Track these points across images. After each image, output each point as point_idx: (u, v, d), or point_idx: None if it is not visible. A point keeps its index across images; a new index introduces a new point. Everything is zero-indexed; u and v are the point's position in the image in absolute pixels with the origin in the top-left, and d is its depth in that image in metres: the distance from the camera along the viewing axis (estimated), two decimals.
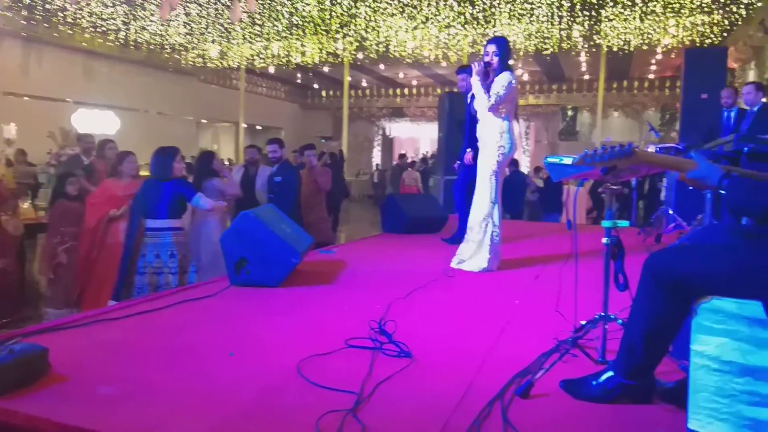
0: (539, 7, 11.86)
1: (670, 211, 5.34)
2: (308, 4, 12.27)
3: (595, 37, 13.32)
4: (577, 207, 8.24)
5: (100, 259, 4.26)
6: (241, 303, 2.96)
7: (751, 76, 11.10)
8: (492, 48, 3.79)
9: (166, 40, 14.64)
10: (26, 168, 9.64)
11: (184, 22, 13.49)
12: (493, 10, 12.09)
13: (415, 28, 13.51)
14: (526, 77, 20.25)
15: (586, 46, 14.02)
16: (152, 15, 12.71)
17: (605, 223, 2.03)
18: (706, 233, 1.79)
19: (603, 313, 2.08)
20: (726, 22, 11.64)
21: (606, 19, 12.39)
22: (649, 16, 12.06)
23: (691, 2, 11.11)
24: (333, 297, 3.15)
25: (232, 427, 1.59)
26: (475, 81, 3.81)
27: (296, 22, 13.41)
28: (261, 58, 16.51)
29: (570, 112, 21.38)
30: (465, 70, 4.90)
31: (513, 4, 11.81)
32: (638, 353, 1.65)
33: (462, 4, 11.89)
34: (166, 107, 17.62)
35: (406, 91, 23.24)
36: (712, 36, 12.34)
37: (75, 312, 4.01)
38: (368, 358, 2.09)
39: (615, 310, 2.11)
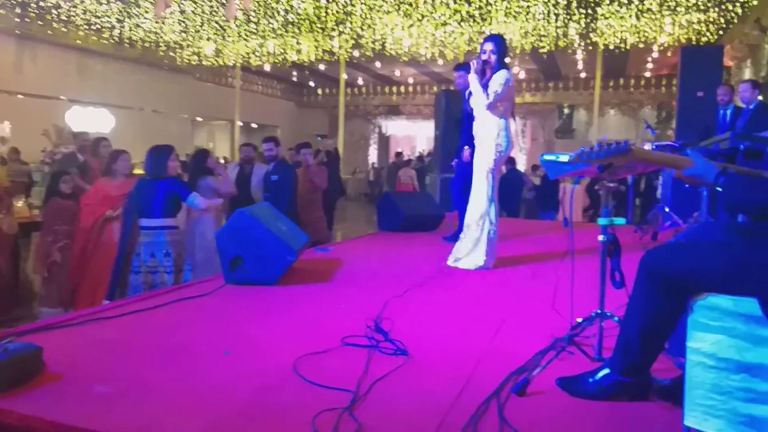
0: (535, 5, 11.85)
1: (667, 209, 5.36)
2: (304, 2, 12.23)
3: (591, 35, 13.32)
4: (573, 205, 8.26)
5: (94, 258, 4.24)
6: (237, 301, 2.95)
7: (747, 74, 11.14)
8: (489, 46, 3.78)
9: (161, 37, 14.57)
10: (20, 166, 9.60)
11: (179, 20, 13.43)
12: (489, 7, 12.08)
13: (411, 25, 13.49)
14: (522, 75, 20.25)
15: (582, 44, 14.02)
16: (147, 12, 12.65)
17: (602, 221, 2.03)
18: (703, 230, 1.79)
19: (599, 311, 2.08)
20: (722, 21, 11.65)
21: (602, 17, 12.39)
22: (645, 14, 12.07)
23: (687, 0, 11.13)
24: (329, 295, 3.15)
25: (228, 426, 1.58)
26: (473, 79, 3.81)
27: (292, 20, 13.36)
28: (256, 56, 16.45)
29: (566, 110, 21.40)
30: (462, 67, 4.89)
31: (509, 2, 11.80)
32: (634, 350, 1.65)
33: (458, 1, 11.87)
34: (161, 105, 17.56)
35: (402, 89, 23.21)
36: (708, 34, 12.37)
37: (69, 311, 4.00)
38: (364, 357, 2.09)
39: (611, 307, 2.11)
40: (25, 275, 5.55)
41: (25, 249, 5.80)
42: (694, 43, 12.45)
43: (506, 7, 12.03)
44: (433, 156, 11.63)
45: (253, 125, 22.43)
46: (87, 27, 13.39)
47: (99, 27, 13.52)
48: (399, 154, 17.19)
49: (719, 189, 1.51)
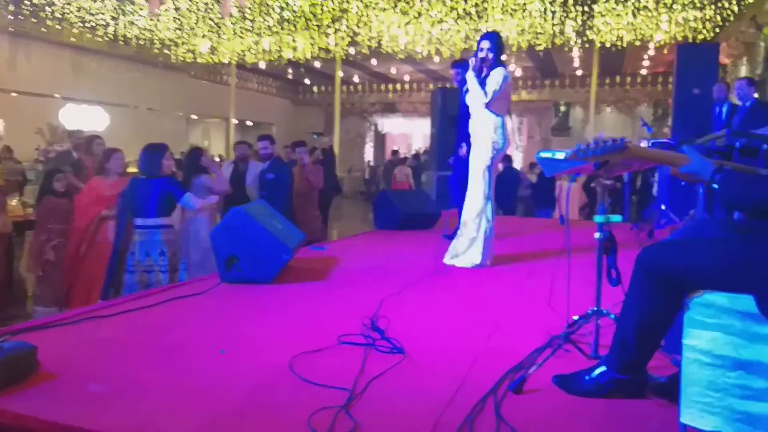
0: (532, 2, 11.86)
1: (663, 206, 5.37)
2: None
3: (587, 32, 13.34)
4: (569, 202, 8.27)
5: (89, 257, 4.22)
6: (232, 300, 2.94)
7: (743, 71, 11.17)
8: (486, 44, 3.77)
9: (156, 35, 14.51)
10: (13, 165, 9.54)
11: (174, 17, 13.36)
12: (485, 5, 12.08)
13: (408, 23, 13.47)
14: (519, 73, 20.26)
15: (579, 41, 14.03)
16: (141, 10, 12.58)
17: (598, 218, 2.03)
18: (699, 228, 1.79)
19: (596, 308, 2.08)
20: (718, 18, 11.68)
21: (599, 15, 12.41)
22: (641, 12, 12.10)
23: None
24: (325, 293, 3.14)
25: (223, 425, 1.57)
26: (471, 77, 3.80)
27: (287, 17, 13.32)
28: (252, 53, 16.40)
29: (563, 108, 21.43)
30: (460, 64, 4.89)
31: (506, 0, 11.81)
32: (631, 348, 1.65)
33: None
34: (155, 103, 17.49)
35: (398, 86, 23.19)
36: (704, 32, 12.39)
37: (64, 310, 3.98)
38: (361, 355, 2.08)
39: (608, 305, 2.11)
40: (19, 274, 5.53)
41: (19, 248, 5.77)
42: (690, 40, 12.48)
43: (503, 5, 12.03)
44: (429, 154, 11.63)
45: (249, 123, 22.38)
46: (81, 24, 13.33)
47: (93, 24, 13.45)
48: (395, 152, 17.17)
49: (715, 186, 1.51)
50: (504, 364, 1.98)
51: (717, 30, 12.37)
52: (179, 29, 14.23)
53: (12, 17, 12.67)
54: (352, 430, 1.53)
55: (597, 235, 2.02)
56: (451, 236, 4.77)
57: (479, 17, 12.70)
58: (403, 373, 1.95)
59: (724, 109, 6.03)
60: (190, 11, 12.97)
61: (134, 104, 16.64)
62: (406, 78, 22.96)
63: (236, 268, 3.19)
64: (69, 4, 12.17)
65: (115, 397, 1.72)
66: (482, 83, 3.76)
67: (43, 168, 7.23)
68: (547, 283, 3.32)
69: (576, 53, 16.75)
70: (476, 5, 12.10)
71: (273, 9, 12.87)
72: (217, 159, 12.86)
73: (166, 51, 15.83)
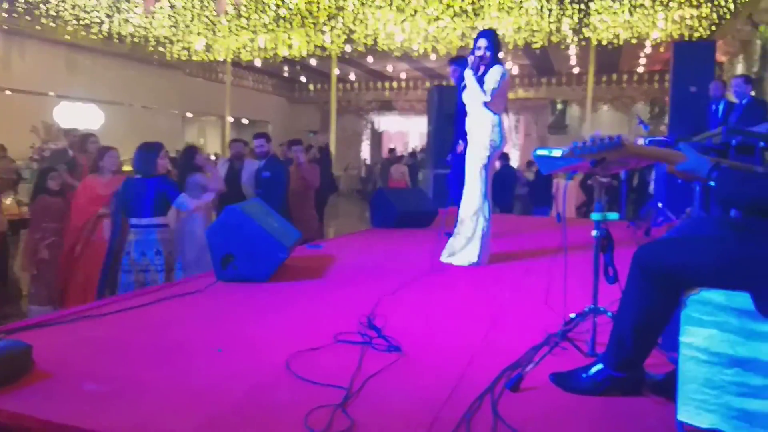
0: (528, 0, 11.85)
1: (659, 204, 5.38)
2: None
3: (584, 30, 13.34)
4: (566, 200, 8.28)
5: (84, 256, 4.20)
6: (229, 298, 2.93)
7: (739, 69, 11.19)
8: (483, 42, 3.76)
9: (151, 32, 14.43)
10: (7, 163, 9.48)
11: (169, 15, 13.30)
12: (482, 2, 12.06)
13: (404, 20, 13.44)
14: (515, 71, 20.26)
15: (575, 39, 14.04)
16: (136, 7, 12.52)
17: (594, 216, 2.03)
18: (695, 225, 1.79)
19: (593, 306, 2.08)
20: (714, 16, 11.70)
21: (595, 13, 12.41)
22: (638, 10, 12.10)
23: None
24: (322, 292, 3.13)
25: (222, 424, 1.57)
26: (469, 75, 3.79)
27: (283, 15, 13.27)
28: (247, 51, 16.35)
29: (559, 106, 21.45)
30: (457, 61, 4.88)
31: None
32: (628, 346, 1.65)
33: None
34: (150, 101, 17.41)
35: (394, 84, 23.15)
36: (700, 30, 12.41)
37: (58, 309, 3.96)
38: (357, 353, 2.07)
39: (605, 302, 2.11)
40: (14, 273, 5.50)
41: (14, 246, 5.75)
42: (686, 38, 12.50)
43: (499, 3, 12.02)
44: (426, 152, 11.62)
45: (244, 121, 22.32)
46: (76, 22, 13.24)
47: (88, 22, 13.36)
48: (392, 150, 17.16)
49: (712, 183, 1.51)
50: (501, 362, 1.98)
51: (713, 28, 12.40)
52: (174, 27, 14.16)
53: (6, 15, 12.58)
54: (349, 429, 1.52)
55: (594, 233, 2.02)
56: (451, 234, 4.78)
57: (476, 15, 12.69)
58: (400, 372, 1.95)
59: (721, 107, 6.05)
60: (185, 8, 12.91)
61: (129, 102, 16.56)
62: (403, 76, 22.93)
63: (232, 267, 3.18)
64: (63, 1, 12.09)
65: (112, 396, 1.71)
66: (480, 81, 3.75)
67: (38, 166, 7.19)
68: (544, 281, 3.33)
69: (572, 51, 16.76)
70: (473, 3, 12.08)
71: (269, 6, 12.82)
72: (212, 158, 12.82)
73: (161, 49, 15.75)
